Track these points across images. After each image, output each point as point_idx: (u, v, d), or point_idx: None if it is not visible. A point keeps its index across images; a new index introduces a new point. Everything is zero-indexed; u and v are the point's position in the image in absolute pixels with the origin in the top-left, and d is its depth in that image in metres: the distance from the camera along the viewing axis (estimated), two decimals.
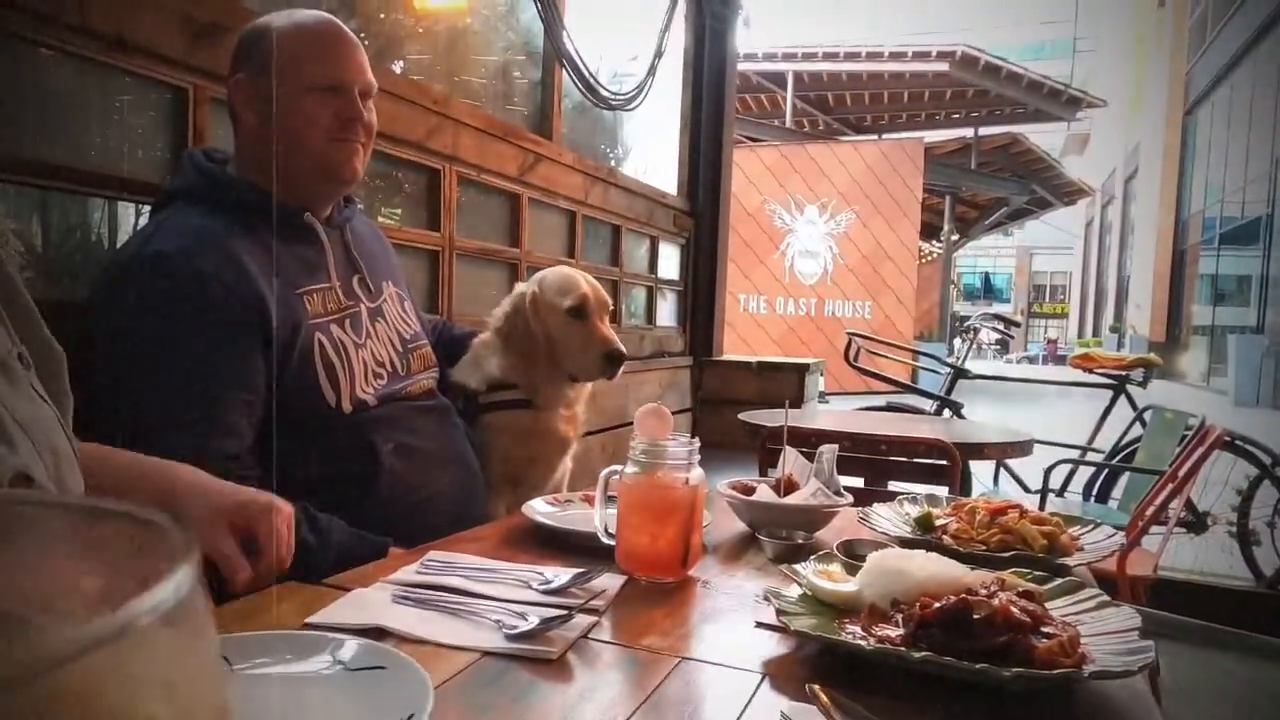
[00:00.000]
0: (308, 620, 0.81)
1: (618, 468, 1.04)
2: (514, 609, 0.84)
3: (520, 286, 1.73)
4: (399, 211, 2.32)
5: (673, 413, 1.12)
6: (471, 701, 0.68)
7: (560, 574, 0.95)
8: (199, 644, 0.17)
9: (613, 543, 1.03)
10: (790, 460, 1.33)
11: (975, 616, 0.73)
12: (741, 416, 2.64)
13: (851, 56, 13.19)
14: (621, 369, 1.65)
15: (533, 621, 0.80)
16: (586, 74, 3.12)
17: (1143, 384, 4.45)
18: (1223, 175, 15.87)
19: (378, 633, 0.78)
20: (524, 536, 1.18)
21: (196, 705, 0.17)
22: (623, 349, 1.65)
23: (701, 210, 4.14)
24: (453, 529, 1.21)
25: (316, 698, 0.61)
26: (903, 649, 0.73)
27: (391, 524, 1.26)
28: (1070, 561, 1.08)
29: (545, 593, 0.91)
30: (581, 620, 0.84)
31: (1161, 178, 19.11)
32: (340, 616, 0.81)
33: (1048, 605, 0.82)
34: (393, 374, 1.41)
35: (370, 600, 0.88)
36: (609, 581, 0.96)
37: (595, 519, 1.07)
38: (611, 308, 1.75)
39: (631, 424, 1.06)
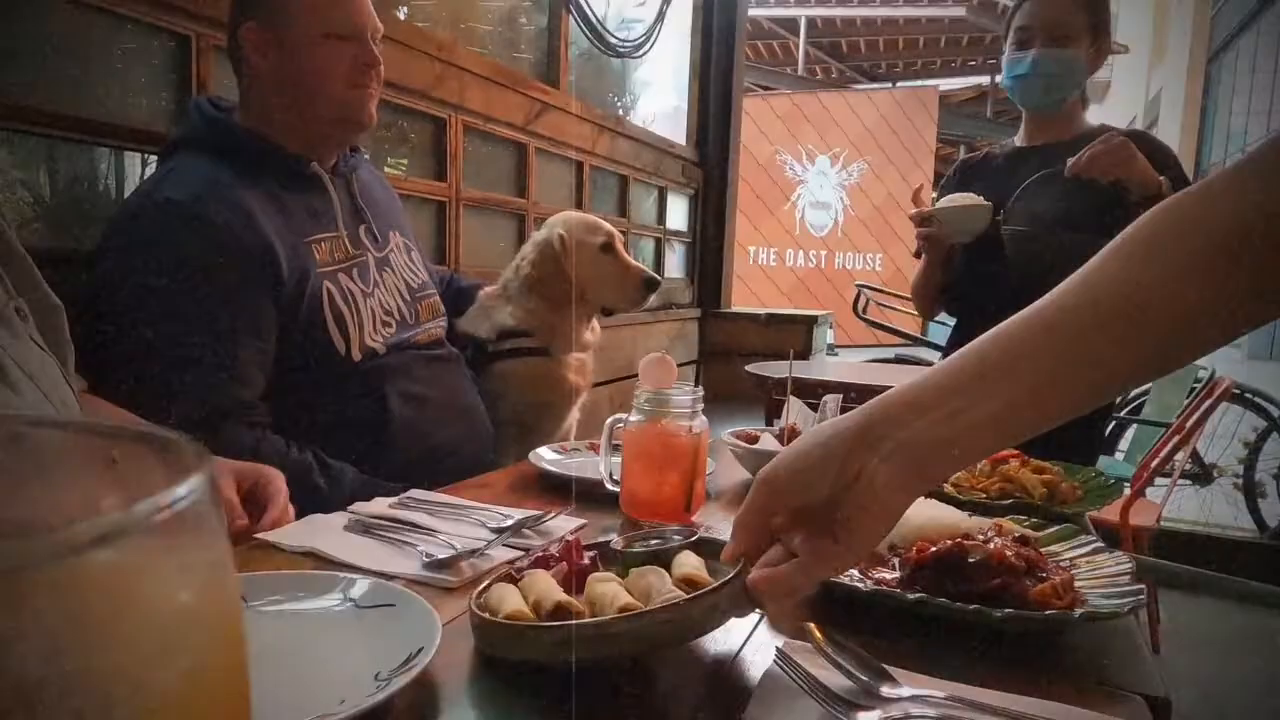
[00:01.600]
0: (258, 535, 0.89)
1: (623, 416, 1.05)
2: (447, 540, 0.87)
3: (538, 234, 1.77)
4: (405, 161, 2.31)
5: (680, 364, 1.13)
6: None
7: (515, 514, 0.97)
8: (212, 550, 0.18)
9: (617, 489, 1.05)
10: (794, 410, 1.34)
11: (970, 560, 0.74)
12: (748, 368, 2.66)
13: (866, 1, 12.88)
14: (654, 294, 1.82)
15: (449, 553, 0.83)
16: (594, 20, 3.06)
17: None
18: (1245, 124, 15.53)
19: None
20: (530, 483, 1.20)
21: (212, 603, 0.18)
22: (656, 275, 1.80)
23: (711, 160, 4.09)
24: (461, 476, 1.23)
25: (329, 633, 0.64)
26: (898, 590, 0.75)
27: (401, 471, 1.28)
28: (1070, 510, 1.09)
29: (494, 531, 0.93)
30: (500, 554, 0.87)
31: (1182, 127, 18.71)
32: (288, 538, 0.88)
33: (1044, 550, 0.83)
34: (401, 323, 1.42)
35: (319, 525, 0.93)
36: (563, 524, 0.98)
37: (600, 466, 1.09)
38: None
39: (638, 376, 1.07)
